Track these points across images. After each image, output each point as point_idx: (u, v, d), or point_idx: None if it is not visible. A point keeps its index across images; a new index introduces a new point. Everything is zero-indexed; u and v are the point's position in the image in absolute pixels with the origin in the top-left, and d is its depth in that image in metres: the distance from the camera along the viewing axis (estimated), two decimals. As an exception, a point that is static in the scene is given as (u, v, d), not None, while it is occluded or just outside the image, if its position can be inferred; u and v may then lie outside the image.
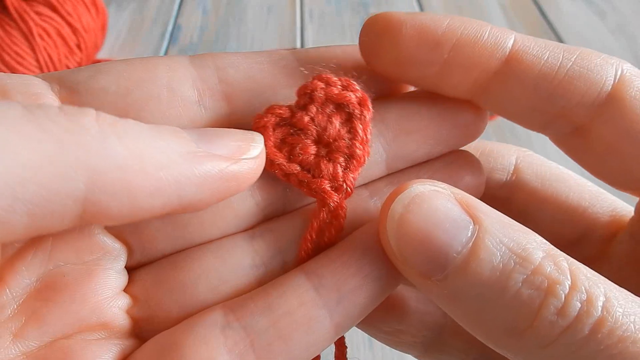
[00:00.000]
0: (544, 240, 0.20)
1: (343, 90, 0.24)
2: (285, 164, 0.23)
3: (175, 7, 1.02)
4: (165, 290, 0.23)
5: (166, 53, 0.91)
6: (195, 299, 0.23)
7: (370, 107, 0.24)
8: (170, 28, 0.97)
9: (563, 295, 0.18)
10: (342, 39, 0.96)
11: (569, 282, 0.18)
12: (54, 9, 0.76)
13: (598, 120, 0.23)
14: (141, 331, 0.23)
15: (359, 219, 0.25)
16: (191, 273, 0.23)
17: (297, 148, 0.24)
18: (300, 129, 0.24)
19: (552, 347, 0.18)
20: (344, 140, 0.24)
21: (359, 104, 0.24)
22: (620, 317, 0.18)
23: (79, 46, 0.79)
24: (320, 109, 0.24)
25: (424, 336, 0.31)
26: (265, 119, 0.24)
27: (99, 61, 0.86)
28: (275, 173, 0.24)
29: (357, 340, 0.57)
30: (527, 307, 0.18)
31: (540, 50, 0.23)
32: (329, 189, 0.23)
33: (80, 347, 0.21)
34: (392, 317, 0.30)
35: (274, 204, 0.25)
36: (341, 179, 0.23)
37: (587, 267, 0.19)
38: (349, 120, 0.24)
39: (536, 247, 0.19)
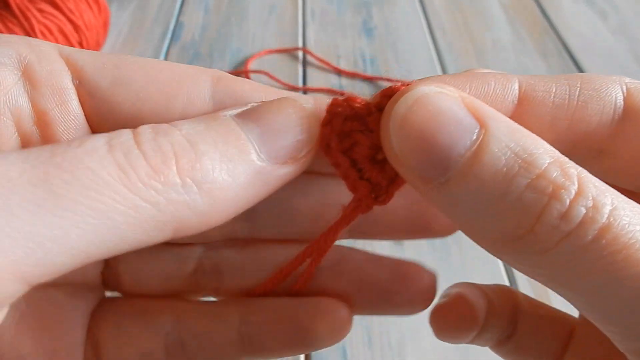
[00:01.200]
0: (554, 149, 0.19)
1: None
2: (337, 153, 0.24)
3: (177, 5, 1.02)
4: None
5: (168, 51, 0.91)
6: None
7: None
8: (172, 26, 0.97)
9: (568, 200, 0.18)
10: (344, 38, 0.96)
11: (575, 188, 0.18)
12: (56, 6, 0.76)
13: (620, 138, 0.23)
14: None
15: None
16: None
17: (358, 145, 0.24)
18: (369, 130, 0.23)
19: (553, 253, 0.18)
20: None
21: None
22: (627, 225, 0.17)
23: (80, 44, 0.80)
24: None
25: (497, 337, 0.31)
26: (339, 109, 0.23)
27: (100, 59, 0.87)
28: (326, 156, 0.24)
29: (357, 340, 0.57)
30: (528, 211, 0.18)
31: (546, 85, 0.23)
32: (367, 192, 0.24)
33: None
34: (468, 331, 0.30)
35: None
36: (383, 190, 0.24)
37: (597, 179, 0.19)
38: None
39: (543, 152, 0.19)
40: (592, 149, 0.24)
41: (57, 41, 0.76)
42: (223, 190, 0.20)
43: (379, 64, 0.90)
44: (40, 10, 0.75)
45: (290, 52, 0.92)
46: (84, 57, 0.24)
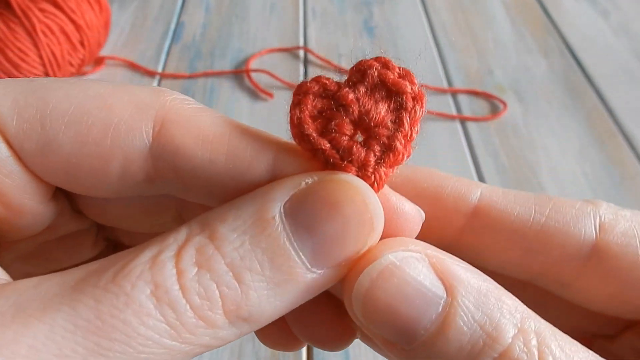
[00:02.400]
0: (519, 307, 0.19)
1: (400, 77, 0.22)
2: (314, 136, 0.21)
3: (178, 4, 1.02)
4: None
5: (169, 50, 0.91)
6: None
7: (424, 106, 0.22)
8: (173, 26, 0.97)
9: None
10: (345, 37, 0.96)
11: None
12: (57, 6, 0.76)
13: (587, 274, 0.22)
14: None
15: None
16: None
17: (333, 123, 0.21)
18: (342, 105, 0.21)
19: None
20: (387, 129, 0.22)
21: (414, 98, 0.22)
22: None
23: (82, 43, 0.80)
24: (369, 91, 0.22)
25: None
26: (308, 85, 0.22)
27: (102, 58, 0.87)
28: (300, 146, 0.22)
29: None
30: None
31: (510, 204, 0.22)
32: (354, 175, 0.21)
33: None
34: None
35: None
36: (371, 170, 0.21)
37: (562, 340, 0.19)
38: (397, 110, 0.22)
39: (509, 321, 0.18)
40: (554, 280, 0.23)
41: (58, 41, 0.76)
42: (271, 315, 0.19)
43: (380, 63, 0.90)
44: (42, 10, 0.75)
45: (291, 51, 0.92)
46: (3, 111, 0.21)
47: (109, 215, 0.27)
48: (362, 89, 0.22)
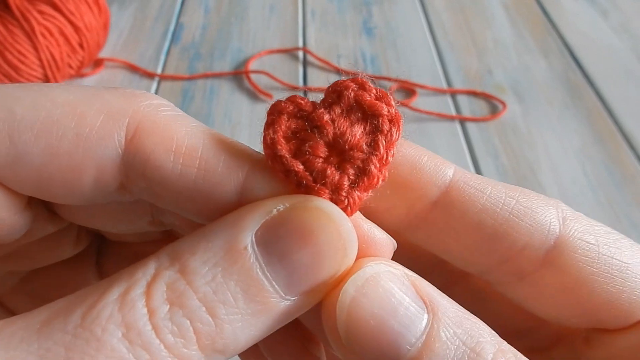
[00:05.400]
0: (493, 332, 0.20)
1: (376, 99, 0.22)
2: (288, 157, 0.21)
3: (178, 5, 1.02)
4: None
5: (168, 52, 0.91)
6: None
7: (401, 128, 0.22)
8: (172, 27, 0.97)
9: None
10: (344, 37, 0.96)
11: None
12: (56, 7, 0.76)
13: (545, 266, 0.22)
14: None
15: None
16: None
17: (307, 145, 0.21)
18: (316, 127, 0.21)
19: None
20: (362, 152, 0.21)
21: (390, 120, 0.21)
22: None
23: (81, 45, 0.80)
24: (345, 112, 0.21)
25: None
26: (282, 105, 0.21)
27: (101, 60, 0.87)
28: (272, 167, 0.21)
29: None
30: None
31: (482, 184, 0.22)
32: (327, 199, 0.20)
33: None
34: None
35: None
36: (344, 194, 0.21)
37: None
38: (373, 133, 0.21)
39: (488, 341, 0.19)
40: (513, 271, 0.23)
41: (57, 43, 0.76)
42: (245, 344, 0.19)
43: (379, 63, 0.90)
44: (41, 12, 0.75)
45: (290, 52, 0.92)
46: None
47: (85, 218, 0.27)
48: (337, 110, 0.21)
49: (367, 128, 0.21)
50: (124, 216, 0.27)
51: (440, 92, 0.85)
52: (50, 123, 0.20)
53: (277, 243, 0.19)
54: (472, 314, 0.20)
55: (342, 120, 0.21)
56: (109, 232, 0.30)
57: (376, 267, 0.19)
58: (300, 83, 0.86)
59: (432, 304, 0.19)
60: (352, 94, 0.21)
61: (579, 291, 0.22)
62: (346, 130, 0.21)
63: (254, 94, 0.84)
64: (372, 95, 0.22)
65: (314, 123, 0.21)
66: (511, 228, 0.22)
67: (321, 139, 0.21)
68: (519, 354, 0.19)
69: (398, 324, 0.19)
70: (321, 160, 0.21)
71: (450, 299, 0.20)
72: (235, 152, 0.21)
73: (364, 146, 0.21)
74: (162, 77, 0.86)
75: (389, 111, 0.21)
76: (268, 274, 0.19)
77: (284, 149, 0.21)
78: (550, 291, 0.22)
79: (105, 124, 0.21)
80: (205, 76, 0.87)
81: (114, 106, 0.21)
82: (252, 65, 0.88)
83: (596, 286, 0.21)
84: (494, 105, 0.84)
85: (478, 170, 0.74)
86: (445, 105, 0.83)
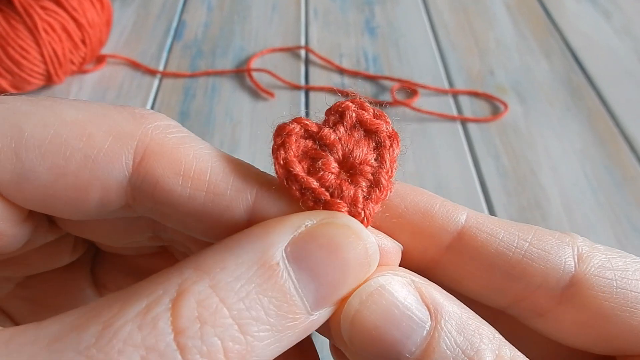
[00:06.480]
0: (496, 335, 0.20)
1: (375, 118, 0.23)
2: (303, 175, 0.21)
3: (180, 3, 1.02)
4: None
5: (170, 49, 0.91)
6: None
7: (399, 144, 0.23)
8: (174, 24, 0.97)
9: None
10: (346, 36, 0.96)
11: None
12: (59, 3, 0.76)
13: (563, 304, 0.22)
14: None
15: None
16: None
17: (320, 162, 0.22)
18: (325, 145, 0.22)
19: None
20: (370, 166, 0.22)
21: (389, 137, 0.23)
22: None
23: (83, 41, 0.80)
24: (349, 131, 0.23)
25: None
26: (290, 127, 0.22)
27: (103, 56, 0.87)
28: (288, 186, 0.22)
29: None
30: None
31: (495, 228, 0.22)
32: (346, 213, 0.21)
33: None
34: None
35: None
36: (361, 206, 0.22)
37: None
38: (377, 148, 0.23)
39: (488, 347, 0.19)
40: (532, 308, 0.23)
41: (60, 39, 0.76)
42: (271, 358, 0.19)
43: (381, 63, 0.90)
44: (44, 8, 0.75)
45: (292, 51, 0.92)
46: None
47: (85, 231, 0.27)
48: (341, 129, 0.23)
49: (371, 144, 0.23)
50: (125, 231, 0.27)
51: (441, 92, 0.85)
52: (58, 143, 0.20)
53: (307, 259, 0.19)
54: (477, 316, 0.20)
55: (348, 138, 0.23)
56: (103, 244, 0.30)
57: (381, 280, 0.20)
58: (302, 82, 0.86)
59: (436, 310, 0.19)
60: (353, 114, 0.23)
61: (600, 325, 0.22)
62: (354, 147, 0.22)
63: (256, 92, 0.84)
64: (371, 114, 0.23)
65: (323, 142, 0.22)
66: (525, 270, 0.22)
67: (331, 156, 0.22)
68: (519, 358, 0.19)
69: (400, 334, 0.19)
70: (334, 176, 0.22)
71: (457, 302, 0.20)
72: (244, 174, 0.22)
73: (372, 161, 0.23)
74: (164, 74, 0.86)
75: (387, 128, 0.23)
76: (299, 290, 0.19)
77: (298, 168, 0.22)
78: (571, 325, 0.23)
79: (114, 146, 0.21)
80: (207, 74, 0.87)
81: (123, 128, 0.21)
82: (254, 64, 0.88)
83: (617, 320, 0.22)
84: (495, 106, 0.84)
85: (479, 171, 0.74)
86: (447, 105, 0.83)
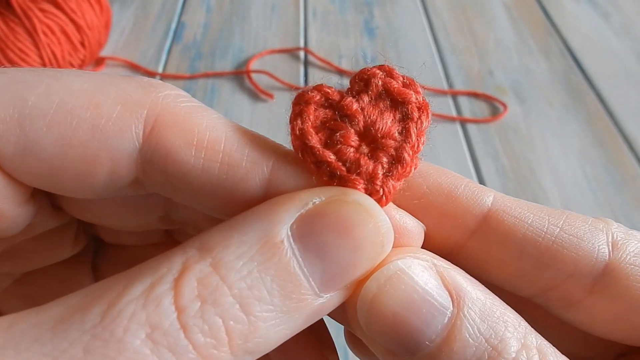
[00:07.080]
0: (521, 322, 0.19)
1: (404, 87, 0.21)
2: (319, 148, 0.20)
3: (179, 4, 1.02)
4: None
5: (170, 50, 0.91)
6: None
7: (430, 116, 0.21)
8: (174, 26, 0.97)
9: None
10: (345, 37, 0.96)
11: None
12: (58, 6, 0.76)
13: (596, 293, 0.21)
14: None
15: None
16: None
17: (338, 135, 0.20)
18: (346, 116, 0.20)
19: None
20: (393, 140, 0.20)
21: (419, 108, 0.21)
22: None
23: (82, 43, 0.80)
24: (373, 100, 0.21)
25: None
26: (309, 95, 0.20)
27: (102, 59, 0.87)
28: (303, 159, 0.20)
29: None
30: None
31: (524, 212, 0.21)
32: (362, 190, 0.20)
33: None
34: None
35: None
36: (379, 183, 0.20)
37: (561, 358, 0.18)
38: (403, 120, 0.21)
39: (513, 335, 0.18)
40: (562, 298, 0.22)
41: (59, 41, 0.76)
42: (275, 343, 0.18)
43: (380, 64, 0.90)
44: (42, 10, 0.75)
45: (291, 52, 0.92)
46: None
47: (92, 213, 0.26)
48: (365, 99, 0.21)
49: (396, 116, 0.21)
50: (134, 211, 0.26)
51: (441, 93, 0.85)
52: (64, 112, 0.19)
53: (314, 237, 0.18)
54: (502, 302, 0.19)
55: (372, 108, 0.21)
56: (107, 234, 0.30)
57: (401, 263, 0.19)
58: (301, 83, 0.86)
59: (459, 296, 0.18)
60: (379, 82, 0.21)
61: (635, 317, 0.21)
62: (377, 119, 0.20)
63: (255, 93, 0.84)
64: (400, 82, 0.21)
65: (343, 112, 0.20)
66: (555, 257, 0.21)
67: (352, 128, 0.20)
68: (546, 348, 0.18)
69: (419, 321, 0.18)
70: (353, 149, 0.20)
71: (481, 287, 0.19)
72: (260, 145, 0.20)
73: (396, 134, 0.21)
74: (163, 76, 0.86)
75: (417, 98, 0.21)
76: (305, 270, 0.18)
77: (314, 140, 0.20)
78: (604, 316, 0.22)
79: (123, 116, 0.19)
80: (207, 75, 0.87)
81: (132, 96, 0.20)
82: (253, 65, 0.88)
83: None
84: (494, 107, 0.84)
85: (478, 172, 0.74)
86: (446, 106, 0.83)
